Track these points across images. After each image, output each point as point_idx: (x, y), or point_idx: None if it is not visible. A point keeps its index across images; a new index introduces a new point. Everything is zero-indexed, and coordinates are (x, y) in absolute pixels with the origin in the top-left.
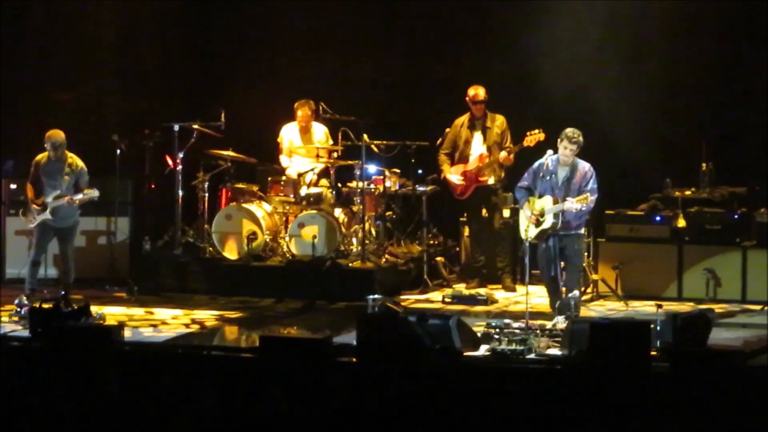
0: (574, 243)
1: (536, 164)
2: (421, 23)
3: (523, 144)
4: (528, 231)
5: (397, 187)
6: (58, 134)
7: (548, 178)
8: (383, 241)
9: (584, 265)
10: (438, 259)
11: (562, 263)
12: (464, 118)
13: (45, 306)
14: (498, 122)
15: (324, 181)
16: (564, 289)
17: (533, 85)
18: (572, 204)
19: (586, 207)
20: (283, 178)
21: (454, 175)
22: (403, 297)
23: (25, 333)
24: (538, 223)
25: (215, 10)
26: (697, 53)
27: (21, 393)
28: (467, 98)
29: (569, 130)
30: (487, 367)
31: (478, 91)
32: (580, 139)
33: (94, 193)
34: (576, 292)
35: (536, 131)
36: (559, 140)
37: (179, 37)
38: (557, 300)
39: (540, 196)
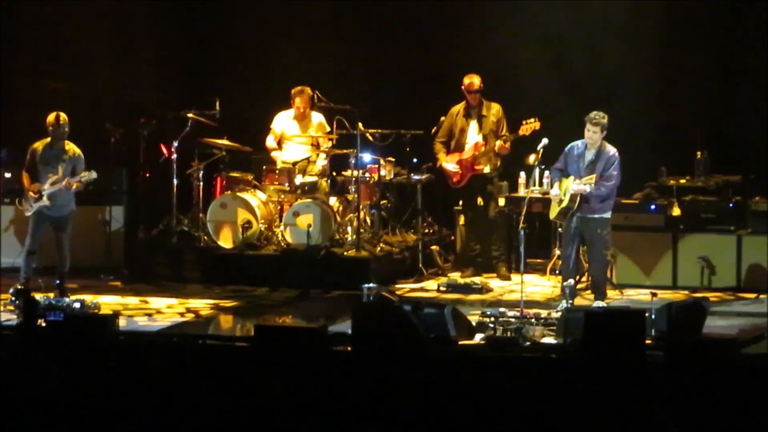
0: (596, 227)
1: (568, 147)
2: (416, 11)
3: (518, 133)
4: (552, 210)
5: (392, 176)
6: (61, 114)
7: (576, 160)
8: (378, 229)
9: (608, 254)
10: (433, 247)
11: (584, 247)
12: (460, 107)
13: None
14: (494, 110)
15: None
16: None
17: (528, 74)
18: (578, 185)
19: (596, 189)
20: (278, 167)
21: (449, 163)
22: (398, 286)
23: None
24: (560, 202)
25: None
26: (692, 42)
27: (15, 382)
28: (462, 87)
29: (592, 113)
30: (481, 356)
31: (473, 80)
32: (603, 120)
33: (92, 174)
34: (571, 281)
35: (532, 120)
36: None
37: (174, 26)
38: (565, 281)
39: (568, 177)
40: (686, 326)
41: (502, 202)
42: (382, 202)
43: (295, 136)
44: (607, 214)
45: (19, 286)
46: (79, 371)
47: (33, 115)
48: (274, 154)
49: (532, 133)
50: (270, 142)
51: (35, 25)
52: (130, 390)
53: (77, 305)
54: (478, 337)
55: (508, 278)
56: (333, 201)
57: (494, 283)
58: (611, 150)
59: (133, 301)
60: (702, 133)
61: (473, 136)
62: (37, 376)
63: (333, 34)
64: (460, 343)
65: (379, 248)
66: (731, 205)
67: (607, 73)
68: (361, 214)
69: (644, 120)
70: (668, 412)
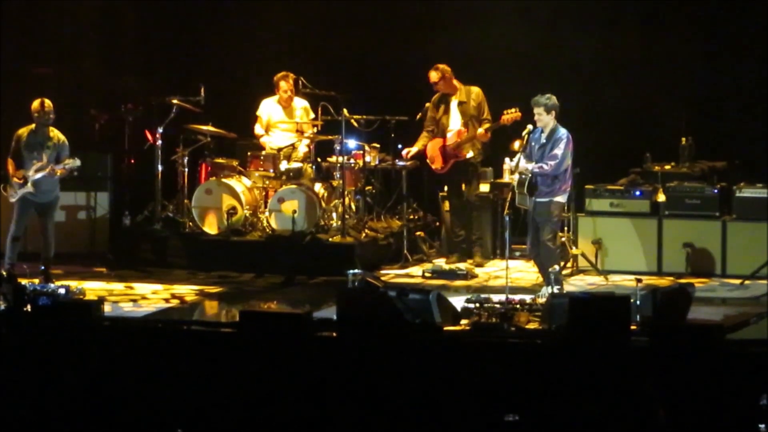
0: (542, 211)
1: (531, 131)
2: None
3: (499, 122)
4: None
5: (377, 162)
6: (46, 100)
7: (533, 143)
8: (363, 215)
9: (557, 236)
10: (418, 233)
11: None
12: (439, 95)
13: None
14: (474, 95)
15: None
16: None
17: (511, 60)
18: (523, 165)
19: (539, 168)
20: (263, 152)
21: (431, 146)
22: (383, 272)
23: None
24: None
25: None
26: (677, 27)
27: (1, 367)
28: None
29: (536, 96)
30: (467, 342)
31: (430, 74)
32: (540, 100)
33: (76, 162)
34: (556, 267)
35: (512, 110)
36: None
37: (159, 12)
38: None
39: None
40: (671, 312)
41: (486, 187)
42: (367, 188)
43: (281, 122)
44: (558, 198)
45: (3, 272)
46: (65, 356)
47: (17, 102)
48: (263, 140)
49: (512, 123)
50: (258, 130)
51: (19, 11)
52: (116, 375)
53: (62, 291)
54: (463, 323)
55: (482, 265)
56: (318, 187)
57: (479, 269)
58: (560, 132)
59: (118, 287)
60: (687, 119)
61: (455, 122)
62: (23, 361)
63: (318, 19)
64: (446, 329)
65: (364, 234)
66: (716, 191)
67: (591, 59)
68: (346, 200)
69: (629, 106)
70: (657, 398)
